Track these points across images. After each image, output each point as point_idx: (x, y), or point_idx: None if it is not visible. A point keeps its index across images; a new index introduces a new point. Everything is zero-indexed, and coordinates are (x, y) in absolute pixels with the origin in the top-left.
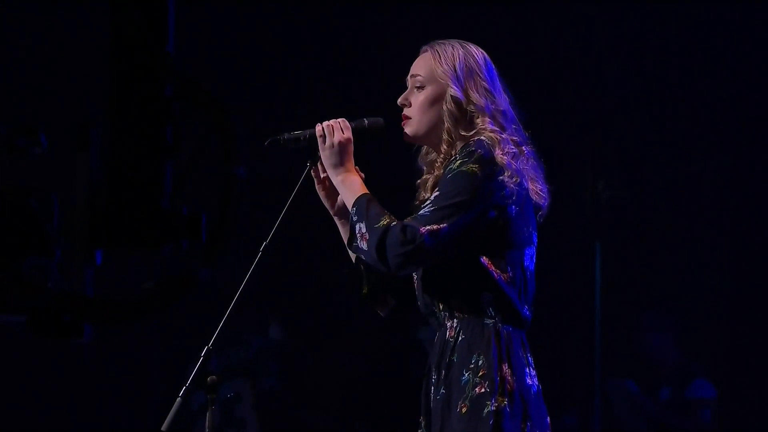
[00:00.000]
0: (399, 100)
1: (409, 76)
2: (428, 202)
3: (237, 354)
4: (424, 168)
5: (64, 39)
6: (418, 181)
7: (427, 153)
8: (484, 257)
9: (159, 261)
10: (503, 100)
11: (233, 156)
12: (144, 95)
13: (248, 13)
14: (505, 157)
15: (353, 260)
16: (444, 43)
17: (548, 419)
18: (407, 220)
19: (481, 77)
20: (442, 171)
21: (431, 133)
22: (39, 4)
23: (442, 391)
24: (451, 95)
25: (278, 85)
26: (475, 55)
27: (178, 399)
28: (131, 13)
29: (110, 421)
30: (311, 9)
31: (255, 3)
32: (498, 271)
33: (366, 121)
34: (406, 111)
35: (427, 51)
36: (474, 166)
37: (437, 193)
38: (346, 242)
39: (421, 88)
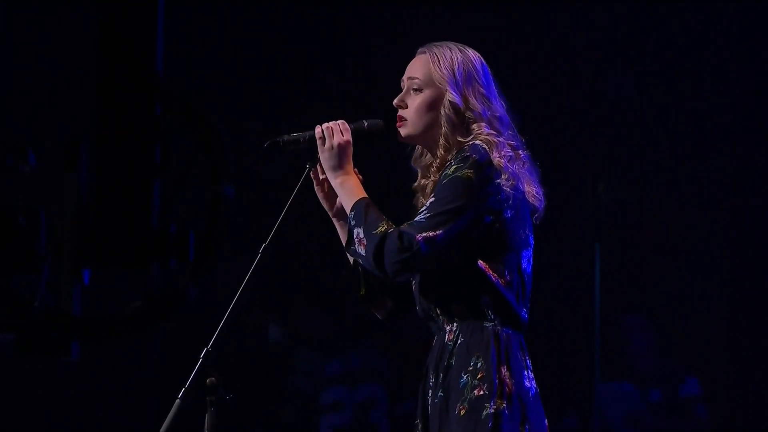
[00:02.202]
0: (395, 102)
1: (405, 78)
2: (424, 208)
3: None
4: (419, 171)
5: (54, 58)
6: (415, 184)
7: (422, 155)
8: (482, 261)
9: (147, 279)
10: (499, 106)
11: (221, 175)
12: (132, 114)
13: (247, 14)
14: (502, 161)
15: (351, 262)
16: (442, 46)
17: (546, 422)
18: (404, 227)
19: (478, 83)
20: (438, 177)
21: (426, 136)
22: (28, 23)
23: (440, 394)
24: (449, 101)
25: (277, 87)
26: (473, 60)
27: (177, 401)
28: (120, 33)
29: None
30: (310, 10)
31: (255, 3)
32: (496, 274)
33: (365, 123)
34: (401, 112)
35: (425, 53)
36: (469, 171)
37: (432, 199)
38: (344, 245)
39: (418, 90)
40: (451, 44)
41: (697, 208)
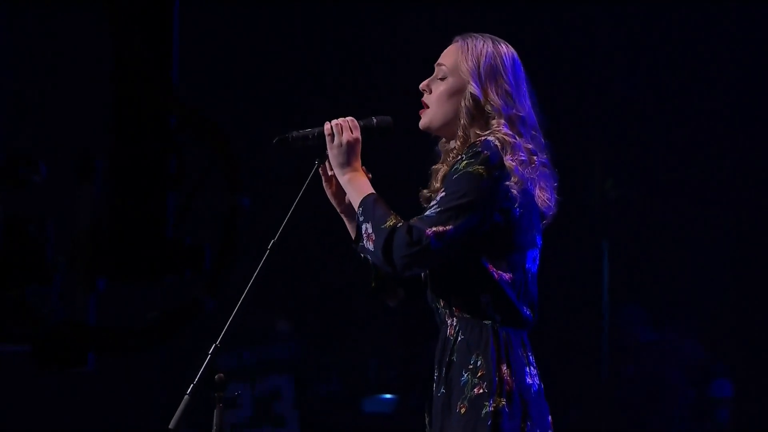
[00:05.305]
0: (421, 85)
1: (437, 63)
2: (434, 202)
3: (273, 351)
4: (441, 154)
5: (69, 70)
6: (433, 167)
7: (447, 140)
8: (486, 258)
9: (163, 289)
10: (525, 105)
11: (237, 186)
12: (148, 126)
13: (257, 12)
14: (513, 163)
15: (362, 256)
16: (475, 38)
17: (550, 418)
18: (413, 221)
19: (504, 79)
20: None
21: (446, 126)
22: (43, 35)
23: (442, 390)
24: (470, 92)
25: (287, 83)
26: (503, 55)
27: (186, 396)
28: (136, 45)
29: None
30: (319, 7)
31: (265, 7)
32: (499, 272)
33: (374, 120)
34: (425, 98)
35: (458, 41)
36: (480, 167)
37: (443, 193)
38: (353, 241)
39: (443, 78)
40: (488, 36)
41: (705, 204)
